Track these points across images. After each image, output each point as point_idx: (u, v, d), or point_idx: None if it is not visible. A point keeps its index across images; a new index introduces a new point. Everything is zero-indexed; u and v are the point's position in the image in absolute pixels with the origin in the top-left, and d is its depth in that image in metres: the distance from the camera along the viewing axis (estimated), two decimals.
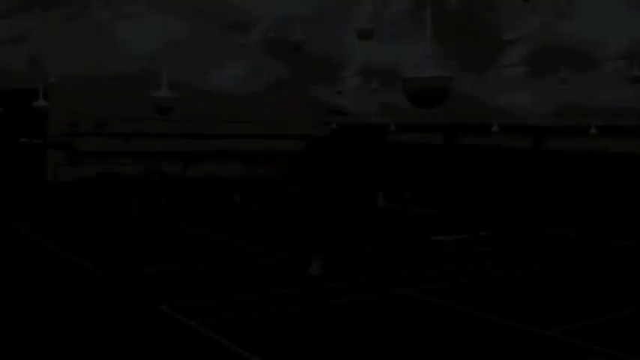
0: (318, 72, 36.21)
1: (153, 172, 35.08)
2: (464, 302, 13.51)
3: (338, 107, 41.90)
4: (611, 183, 28.27)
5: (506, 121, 32.60)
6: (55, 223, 23.02)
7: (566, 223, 24.30)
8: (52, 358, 10.22)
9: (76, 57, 35.25)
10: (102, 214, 25.44)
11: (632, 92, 26.22)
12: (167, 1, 19.64)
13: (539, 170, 32.31)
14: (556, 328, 11.82)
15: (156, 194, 29.47)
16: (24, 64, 33.80)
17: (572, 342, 11.12)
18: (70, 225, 22.84)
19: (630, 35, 21.47)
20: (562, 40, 22.71)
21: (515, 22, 24.22)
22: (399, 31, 27.04)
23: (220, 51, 37.22)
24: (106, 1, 20.45)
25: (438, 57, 22.54)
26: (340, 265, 16.87)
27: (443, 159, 37.00)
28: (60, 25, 26.22)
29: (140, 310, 12.62)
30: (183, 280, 15.04)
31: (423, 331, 11.84)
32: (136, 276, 15.27)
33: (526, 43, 25.88)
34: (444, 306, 13.28)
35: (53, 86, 32.29)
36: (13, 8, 15.09)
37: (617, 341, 11.15)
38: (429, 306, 13.35)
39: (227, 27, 32.48)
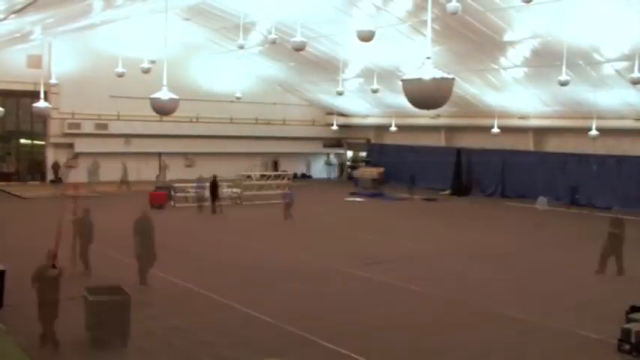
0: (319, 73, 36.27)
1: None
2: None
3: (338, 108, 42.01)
4: None
5: (506, 121, 32.70)
6: None
7: None
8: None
9: (77, 57, 35.41)
10: None
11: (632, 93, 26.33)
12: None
13: None
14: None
15: None
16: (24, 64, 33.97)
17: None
18: None
19: (631, 36, 21.46)
20: (562, 41, 22.71)
21: (515, 24, 24.23)
22: (399, 32, 27.07)
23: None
24: (107, 1, 20.42)
25: (438, 58, 22.50)
26: None
27: None
28: (60, 25, 26.17)
29: None
30: None
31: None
32: None
33: (527, 45, 25.88)
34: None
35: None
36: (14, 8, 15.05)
37: None
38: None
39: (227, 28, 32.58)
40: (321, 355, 10.21)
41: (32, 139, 37.37)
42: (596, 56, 24.79)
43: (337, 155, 47.24)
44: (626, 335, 10.45)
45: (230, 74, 39.42)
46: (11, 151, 37.39)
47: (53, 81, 31.68)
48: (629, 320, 10.94)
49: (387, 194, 34.37)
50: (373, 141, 44.52)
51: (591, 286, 15.41)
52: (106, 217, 24.08)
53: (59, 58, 35.11)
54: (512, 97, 31.33)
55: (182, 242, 19.64)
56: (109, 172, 36.74)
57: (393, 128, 37.29)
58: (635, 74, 20.60)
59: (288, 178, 32.73)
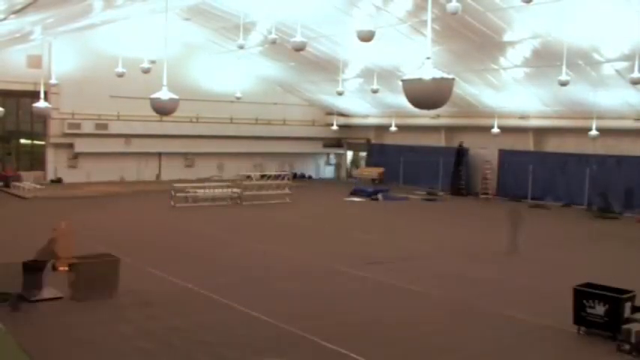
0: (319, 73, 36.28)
1: None
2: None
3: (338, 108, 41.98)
4: None
5: (506, 121, 32.71)
6: None
7: None
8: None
9: (77, 57, 35.42)
10: None
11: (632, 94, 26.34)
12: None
13: None
14: None
15: None
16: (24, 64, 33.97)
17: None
18: None
19: (631, 36, 21.48)
20: (562, 41, 22.72)
21: (515, 24, 24.23)
22: (399, 32, 27.06)
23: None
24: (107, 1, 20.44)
25: (438, 58, 22.50)
26: None
27: None
28: (60, 24, 26.17)
29: None
30: None
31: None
32: None
33: (527, 45, 25.88)
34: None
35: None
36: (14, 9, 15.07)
37: None
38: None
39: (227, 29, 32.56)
40: (321, 355, 10.21)
41: (32, 139, 37.35)
42: (596, 56, 24.79)
43: (337, 155, 47.29)
44: (626, 335, 10.46)
45: (230, 74, 39.40)
46: (11, 151, 37.38)
47: (53, 81, 31.65)
48: (629, 320, 10.94)
49: (389, 194, 34.32)
50: (373, 141, 44.51)
51: None
52: (106, 217, 24.15)
53: (59, 58, 35.09)
54: (512, 97, 31.33)
55: (182, 242, 19.65)
56: (109, 172, 36.86)
57: (393, 128, 37.28)
58: (635, 74, 20.62)
59: (288, 178, 32.72)
